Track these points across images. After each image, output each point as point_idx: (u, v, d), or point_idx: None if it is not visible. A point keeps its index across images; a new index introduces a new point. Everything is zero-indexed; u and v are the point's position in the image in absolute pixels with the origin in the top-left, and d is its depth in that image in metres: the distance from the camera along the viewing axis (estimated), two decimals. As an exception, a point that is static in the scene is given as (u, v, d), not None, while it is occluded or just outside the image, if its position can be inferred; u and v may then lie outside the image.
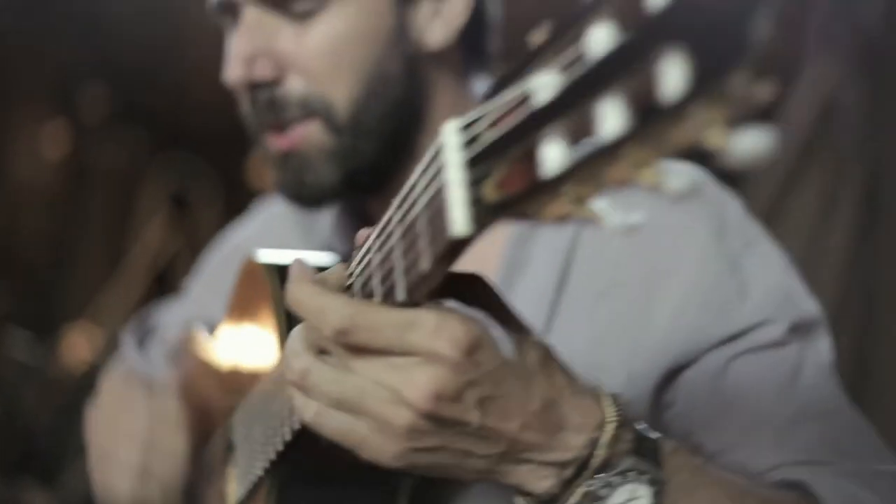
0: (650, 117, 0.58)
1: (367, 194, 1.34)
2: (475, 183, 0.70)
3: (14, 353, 3.45)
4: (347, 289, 0.88)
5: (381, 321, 0.80)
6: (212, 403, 1.33)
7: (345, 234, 1.39)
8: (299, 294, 0.84)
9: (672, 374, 1.15)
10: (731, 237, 1.19)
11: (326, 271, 0.89)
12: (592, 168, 0.62)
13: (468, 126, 0.71)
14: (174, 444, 1.32)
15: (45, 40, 3.94)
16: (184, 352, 1.48)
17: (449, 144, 0.72)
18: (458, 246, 0.73)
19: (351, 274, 0.89)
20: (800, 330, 1.17)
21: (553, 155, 0.64)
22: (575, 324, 1.18)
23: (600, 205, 0.65)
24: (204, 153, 3.91)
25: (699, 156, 0.59)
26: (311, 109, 1.27)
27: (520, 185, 0.66)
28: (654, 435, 0.87)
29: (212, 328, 1.37)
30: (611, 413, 0.85)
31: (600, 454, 0.84)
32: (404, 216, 0.80)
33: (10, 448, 3.22)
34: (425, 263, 0.76)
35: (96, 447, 1.43)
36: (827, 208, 3.07)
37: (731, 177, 3.04)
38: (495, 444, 0.83)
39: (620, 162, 0.61)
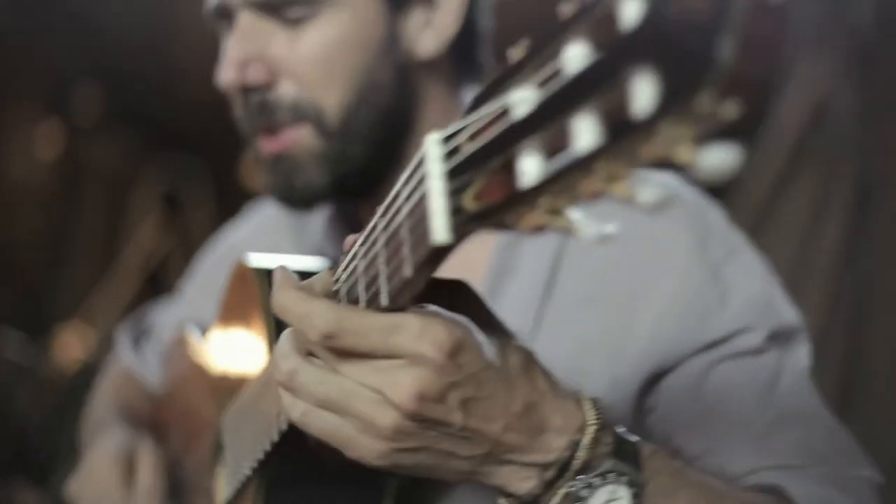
0: (622, 133, 0.60)
1: (358, 199, 1.37)
2: (455, 193, 0.72)
3: (6, 353, 3.46)
4: (333, 294, 0.90)
5: (367, 325, 0.82)
6: (202, 404, 1.35)
7: (335, 239, 1.41)
8: (284, 300, 0.86)
9: (654, 380, 1.17)
10: (713, 246, 1.22)
11: (313, 277, 0.91)
12: (567, 180, 0.64)
13: (449, 138, 0.74)
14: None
15: (38, 41, 3.95)
16: (175, 353, 1.49)
17: (431, 155, 0.74)
18: (439, 253, 0.76)
19: (337, 280, 0.91)
20: (779, 337, 1.19)
21: (530, 167, 0.66)
22: (560, 330, 1.20)
23: (576, 215, 0.67)
24: (196, 154, 3.92)
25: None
26: (301, 114, 1.29)
27: (498, 196, 0.69)
28: (633, 438, 0.90)
29: (204, 329, 1.39)
30: (591, 416, 0.87)
31: (581, 456, 0.86)
32: (388, 223, 0.82)
33: (2, 448, 3.24)
34: (408, 270, 0.78)
35: None
36: (818, 210, 3.09)
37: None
38: (478, 445, 0.86)
39: (594, 175, 0.63)
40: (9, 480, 3.08)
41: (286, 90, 1.29)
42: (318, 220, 1.44)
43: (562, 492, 0.87)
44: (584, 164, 0.63)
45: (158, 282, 3.66)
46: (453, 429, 0.84)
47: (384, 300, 0.83)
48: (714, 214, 1.27)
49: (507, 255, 1.25)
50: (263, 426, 1.06)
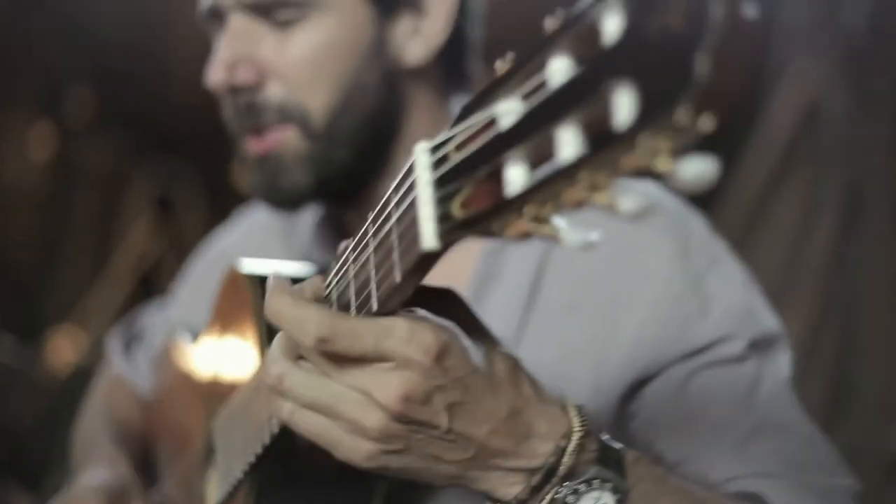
0: (604, 144, 0.62)
1: (343, 203, 1.39)
2: (443, 200, 0.74)
3: (-1, 355, 3.46)
4: (324, 299, 0.92)
5: (359, 330, 0.84)
6: (193, 408, 1.36)
7: (323, 244, 1.43)
8: (278, 305, 0.88)
9: (637, 386, 1.19)
10: (694, 255, 1.23)
11: (304, 282, 0.92)
12: (552, 189, 0.66)
13: (438, 147, 0.76)
14: None
15: (30, 44, 3.95)
16: (166, 358, 1.51)
17: (420, 164, 0.76)
18: (428, 260, 0.78)
19: (328, 284, 0.93)
20: (759, 346, 1.21)
21: (515, 176, 0.68)
22: (544, 336, 1.22)
23: (561, 223, 0.69)
24: (189, 156, 3.92)
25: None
26: (288, 115, 1.32)
27: (485, 204, 0.70)
28: (617, 445, 0.91)
29: (196, 334, 1.40)
30: (576, 423, 0.89)
31: (566, 462, 0.88)
32: (378, 230, 0.84)
33: (-6, 450, 3.24)
34: (397, 275, 0.80)
35: None
36: (810, 211, 3.10)
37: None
38: (464, 448, 0.87)
39: (578, 184, 0.65)
40: (1, 483, 3.08)
41: (274, 91, 1.32)
42: (307, 224, 1.46)
43: (548, 497, 0.89)
44: (568, 173, 0.65)
45: (151, 284, 3.66)
46: (439, 431, 0.86)
47: (374, 305, 0.85)
48: (695, 223, 1.29)
49: (492, 262, 1.27)
50: (254, 430, 1.08)
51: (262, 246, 1.50)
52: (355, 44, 1.31)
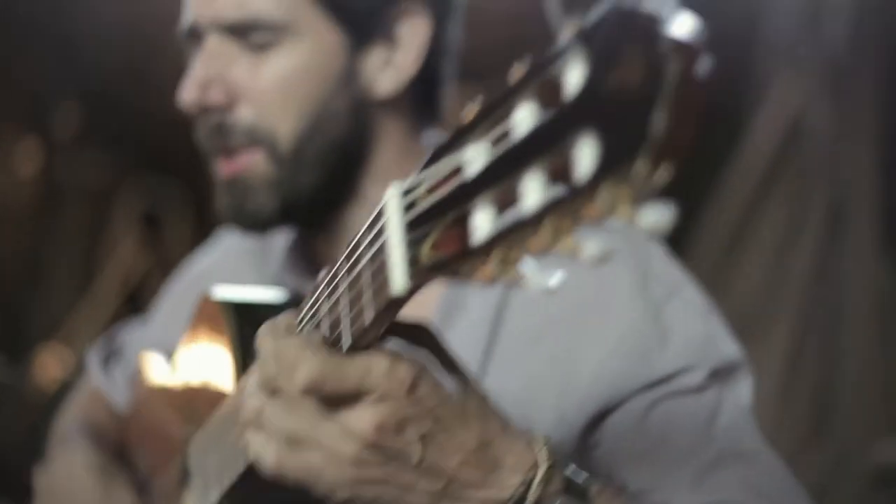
0: (566, 193, 0.64)
1: (312, 229, 1.41)
2: (413, 244, 0.76)
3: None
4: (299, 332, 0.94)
5: (345, 371, 0.87)
6: (168, 431, 1.38)
7: (293, 269, 1.45)
8: (268, 351, 0.91)
9: (599, 417, 1.21)
10: (653, 286, 1.25)
11: (278, 317, 0.94)
12: (516, 236, 0.68)
13: (409, 191, 0.77)
14: None
15: (17, 59, 3.96)
16: (141, 379, 1.52)
17: (391, 207, 0.78)
18: (398, 302, 0.80)
19: (301, 319, 0.95)
20: (719, 374, 1.22)
21: (481, 222, 0.70)
22: (508, 366, 1.24)
23: (526, 268, 0.70)
24: (175, 172, 3.93)
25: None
26: (256, 138, 1.33)
27: (453, 249, 0.72)
28: (582, 476, 0.94)
29: (171, 355, 1.41)
30: (543, 456, 0.92)
31: (534, 493, 0.90)
32: (351, 268, 0.86)
33: (-19, 467, 3.24)
34: (369, 316, 0.83)
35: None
36: (793, 227, 3.12)
37: (696, 198, 3.07)
38: (436, 479, 0.90)
39: (542, 231, 0.66)
40: (-12, 500, 3.09)
41: (244, 114, 1.33)
42: (279, 249, 1.47)
43: None
44: (532, 222, 0.66)
45: (137, 301, 3.67)
46: (412, 461, 0.89)
47: (347, 343, 0.87)
48: (654, 252, 1.30)
49: (457, 292, 1.28)
50: (231, 455, 1.10)
51: (237, 269, 1.52)
52: (326, 71, 1.33)
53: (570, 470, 0.94)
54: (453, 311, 1.28)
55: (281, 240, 1.47)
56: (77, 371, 3.42)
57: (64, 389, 3.32)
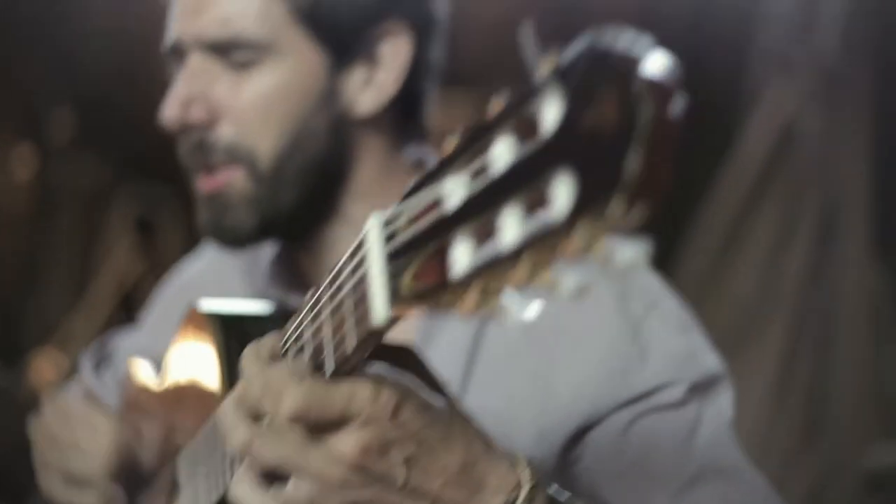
0: (543, 230, 0.64)
1: (294, 244, 1.42)
2: (394, 275, 0.76)
3: (-19, 378, 3.47)
4: (281, 357, 0.95)
5: (331, 398, 0.88)
6: (156, 443, 1.39)
7: (277, 282, 1.46)
8: (253, 380, 0.92)
9: (580, 434, 1.22)
10: (632, 301, 1.26)
11: (262, 340, 0.96)
12: (496, 269, 0.68)
13: (390, 222, 0.78)
14: (98, 445, 1.38)
15: (11, 65, 3.96)
16: (128, 386, 1.53)
17: (372, 238, 0.78)
18: (379, 331, 0.81)
19: (285, 341, 0.96)
20: (699, 388, 1.24)
21: (461, 255, 0.70)
22: (488, 384, 1.26)
23: (506, 300, 0.71)
24: (169, 178, 3.92)
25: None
26: (236, 156, 1.34)
27: (433, 280, 0.73)
28: (565, 496, 0.95)
29: (159, 364, 1.42)
30: (526, 476, 0.93)
31: None
32: (333, 295, 0.87)
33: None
34: (351, 344, 0.84)
35: (36, 455, 1.48)
36: (786, 232, 3.13)
37: (690, 202, 3.08)
38: (420, 500, 0.91)
39: (520, 265, 0.67)
40: (-17, 506, 3.09)
41: (224, 132, 1.34)
42: (265, 261, 1.48)
43: None
44: (511, 256, 0.67)
45: (131, 306, 3.67)
46: (397, 484, 0.90)
47: (329, 368, 0.88)
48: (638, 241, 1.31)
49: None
50: (218, 468, 1.11)
51: (224, 278, 1.53)
52: (307, 91, 1.34)
53: (553, 489, 0.95)
54: (434, 329, 1.29)
55: (268, 251, 1.48)
56: (72, 375, 3.43)
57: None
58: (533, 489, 0.92)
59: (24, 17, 3.88)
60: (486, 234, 0.68)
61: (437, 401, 0.93)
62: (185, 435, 1.26)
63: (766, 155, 3.19)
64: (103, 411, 1.43)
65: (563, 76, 0.63)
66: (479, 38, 3.30)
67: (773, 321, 3.12)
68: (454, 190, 0.71)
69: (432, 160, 1.41)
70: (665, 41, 0.63)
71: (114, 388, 1.65)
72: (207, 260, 1.64)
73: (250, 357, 0.94)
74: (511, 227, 0.66)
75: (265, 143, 1.33)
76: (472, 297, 0.70)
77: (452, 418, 0.93)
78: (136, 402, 1.48)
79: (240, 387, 0.95)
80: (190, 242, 1.97)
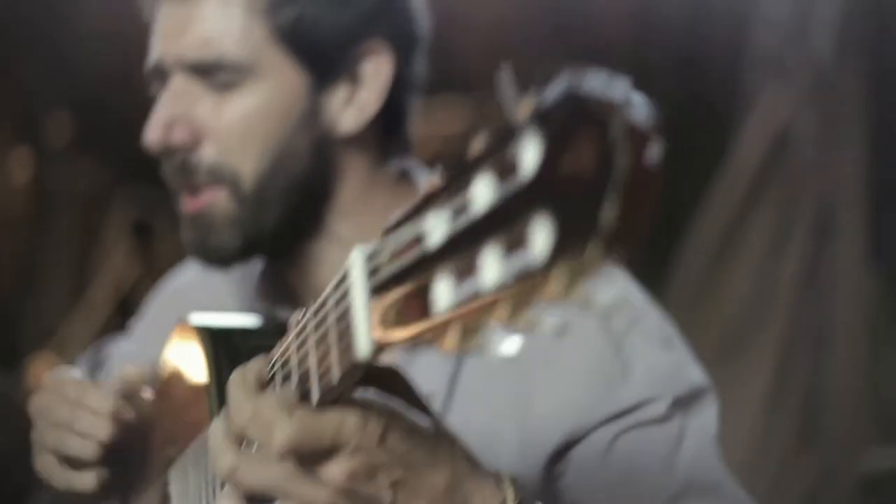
0: (522, 272, 0.65)
1: (279, 259, 1.42)
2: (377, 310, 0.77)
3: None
4: (267, 382, 0.96)
5: (321, 429, 0.89)
6: (148, 454, 1.39)
7: (265, 295, 1.47)
8: (242, 414, 0.93)
9: (564, 448, 1.23)
10: (614, 317, 1.27)
11: (248, 366, 0.96)
12: (476, 307, 0.69)
13: (373, 256, 0.78)
14: (94, 425, 1.36)
15: (8, 68, 3.97)
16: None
17: (355, 272, 0.79)
18: (364, 364, 0.81)
19: (272, 366, 0.97)
20: (682, 403, 1.25)
21: (443, 292, 0.71)
22: (472, 398, 1.27)
23: (489, 337, 0.72)
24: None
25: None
26: (219, 177, 1.35)
27: (415, 317, 0.73)
28: None
29: (151, 373, 1.43)
30: (510, 494, 0.94)
31: None
32: (318, 325, 0.88)
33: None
34: (336, 375, 0.85)
35: (34, 434, 1.49)
36: (781, 237, 3.14)
37: (685, 207, 3.08)
38: None
39: (500, 304, 0.67)
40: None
41: (207, 153, 1.35)
42: (254, 272, 1.49)
43: None
44: (491, 295, 0.67)
45: (128, 310, 3.67)
46: None
47: (315, 396, 0.89)
48: (617, 280, 1.31)
49: None
50: (208, 485, 1.13)
51: (213, 288, 1.54)
52: (289, 111, 1.34)
53: None
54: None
55: (257, 263, 1.49)
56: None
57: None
58: None
59: (23, 20, 3.89)
60: (466, 271, 0.69)
61: (422, 420, 0.94)
62: (174, 446, 1.27)
63: (761, 159, 3.19)
64: (103, 393, 1.42)
65: (542, 120, 0.63)
66: (475, 44, 3.30)
67: (769, 326, 3.12)
68: (436, 226, 0.71)
69: (417, 171, 1.42)
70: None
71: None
72: (198, 269, 1.65)
73: (237, 382, 0.95)
74: (491, 266, 0.67)
75: (248, 163, 1.34)
76: (453, 333, 0.71)
77: (438, 439, 0.94)
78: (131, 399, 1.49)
79: (227, 411, 0.96)
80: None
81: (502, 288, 0.67)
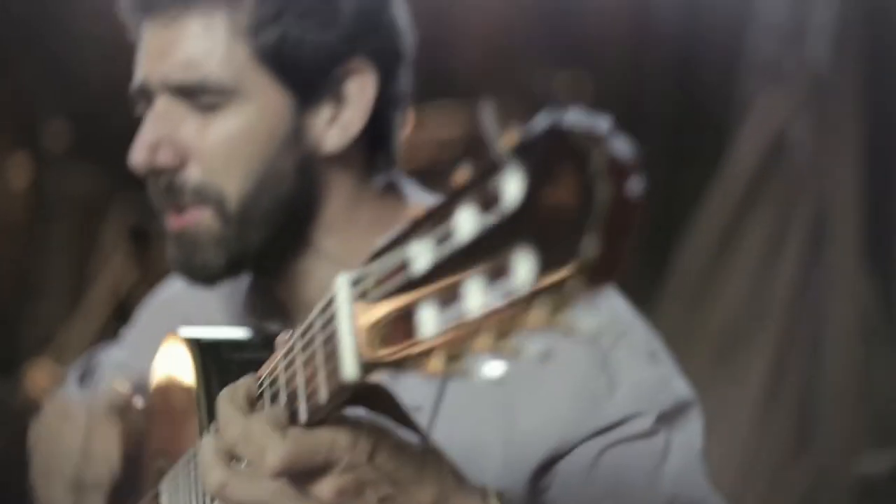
0: (505, 301, 0.66)
1: (266, 275, 1.43)
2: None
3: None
4: (258, 398, 0.97)
5: (312, 450, 0.91)
6: (140, 465, 1.40)
7: (253, 309, 1.47)
8: (232, 425, 0.94)
9: (549, 463, 1.24)
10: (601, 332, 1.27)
11: (237, 383, 0.98)
12: (461, 334, 0.70)
13: (358, 281, 0.79)
14: (107, 452, 1.38)
15: (6, 75, 3.97)
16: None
17: (341, 297, 0.80)
18: (349, 387, 0.83)
19: (261, 384, 0.98)
20: (668, 417, 1.26)
21: (427, 318, 0.72)
22: (458, 412, 1.27)
23: (473, 363, 0.73)
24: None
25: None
26: (204, 197, 1.35)
27: (400, 340, 0.74)
28: None
29: (140, 381, 1.44)
30: None
31: None
32: (306, 346, 0.89)
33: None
34: (323, 396, 0.86)
35: (36, 462, 1.49)
36: (776, 242, 3.14)
37: (681, 210, 3.09)
38: None
39: (483, 332, 0.68)
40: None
41: (192, 174, 1.35)
42: (243, 284, 1.50)
43: None
44: (474, 323, 0.68)
45: (125, 316, 3.68)
46: None
47: (303, 416, 0.91)
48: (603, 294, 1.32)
49: None
50: (198, 497, 1.14)
51: (203, 298, 1.54)
52: (273, 132, 1.35)
53: None
54: None
55: (246, 277, 1.49)
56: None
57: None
58: None
59: (19, 27, 3.89)
60: (450, 299, 0.70)
61: (409, 436, 0.96)
62: (164, 458, 1.28)
63: (758, 163, 3.20)
64: (110, 418, 1.43)
65: (524, 153, 0.64)
66: (471, 49, 3.31)
67: (764, 328, 3.13)
68: (420, 253, 0.72)
69: (403, 182, 1.43)
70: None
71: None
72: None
73: (227, 400, 0.96)
74: (474, 294, 0.67)
75: (232, 184, 1.34)
76: (437, 358, 0.72)
77: (426, 456, 0.95)
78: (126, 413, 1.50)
79: (216, 427, 0.97)
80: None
81: (486, 316, 0.67)
